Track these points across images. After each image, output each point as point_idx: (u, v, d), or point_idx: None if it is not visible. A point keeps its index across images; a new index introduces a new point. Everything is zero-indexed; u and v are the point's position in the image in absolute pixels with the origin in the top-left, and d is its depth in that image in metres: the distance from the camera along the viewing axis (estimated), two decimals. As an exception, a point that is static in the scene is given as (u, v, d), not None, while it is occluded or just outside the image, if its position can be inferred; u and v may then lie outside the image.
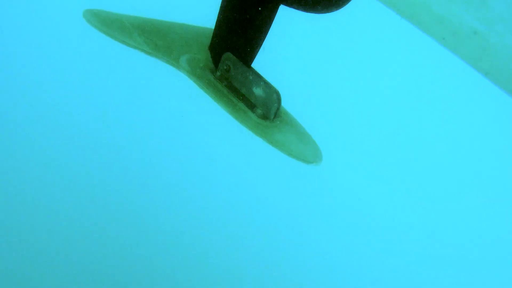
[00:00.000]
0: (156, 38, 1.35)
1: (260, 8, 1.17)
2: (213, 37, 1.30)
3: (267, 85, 1.23)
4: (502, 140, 1.95)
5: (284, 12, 1.21)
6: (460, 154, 2.01)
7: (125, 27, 1.34)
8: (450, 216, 1.71)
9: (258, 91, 1.25)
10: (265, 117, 1.26)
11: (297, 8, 1.17)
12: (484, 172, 1.98)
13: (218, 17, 1.27)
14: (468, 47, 1.53)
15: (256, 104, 1.26)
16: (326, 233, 1.46)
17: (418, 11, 1.53)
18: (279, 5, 1.18)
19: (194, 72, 1.29)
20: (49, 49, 1.54)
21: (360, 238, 1.51)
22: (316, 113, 1.79)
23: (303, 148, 1.28)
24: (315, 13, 1.18)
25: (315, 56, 2.01)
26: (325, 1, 1.12)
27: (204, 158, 1.35)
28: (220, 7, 1.26)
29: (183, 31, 1.44)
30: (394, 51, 1.81)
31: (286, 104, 1.40)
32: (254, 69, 1.27)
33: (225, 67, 1.28)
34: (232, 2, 1.22)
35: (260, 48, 1.25)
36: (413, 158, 2.00)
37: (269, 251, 1.33)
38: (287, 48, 1.67)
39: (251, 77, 1.24)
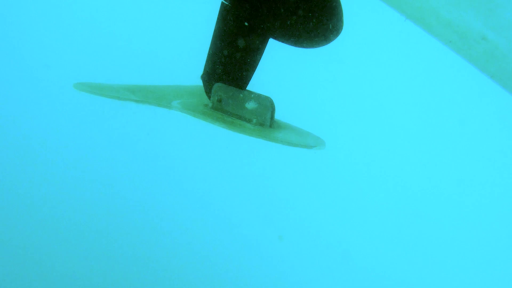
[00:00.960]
0: (147, 93, 1.39)
1: (249, 41, 1.21)
2: (205, 67, 1.35)
3: (258, 96, 1.27)
4: (507, 141, 1.97)
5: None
6: (463, 153, 2.03)
7: (115, 89, 1.37)
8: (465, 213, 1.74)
9: (250, 104, 1.29)
10: (262, 125, 1.29)
11: (285, 43, 1.21)
12: (490, 170, 2.01)
13: (210, 48, 1.31)
14: (476, 52, 1.54)
15: (251, 117, 1.30)
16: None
17: (427, 17, 1.54)
18: (269, 38, 1.22)
19: (187, 108, 1.33)
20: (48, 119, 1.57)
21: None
22: (323, 117, 1.80)
23: (303, 139, 1.31)
24: (303, 47, 1.23)
25: (322, 58, 2.02)
26: (308, 40, 1.17)
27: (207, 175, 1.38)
28: (212, 39, 1.30)
29: (173, 88, 1.49)
30: (405, 55, 1.82)
31: (289, 112, 1.42)
32: (245, 89, 1.31)
33: (217, 98, 1.31)
34: (222, 36, 1.26)
35: (252, 75, 1.29)
36: (420, 159, 2.02)
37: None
38: (290, 59, 1.68)
39: (241, 95, 1.29)
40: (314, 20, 1.13)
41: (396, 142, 1.82)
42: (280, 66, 1.32)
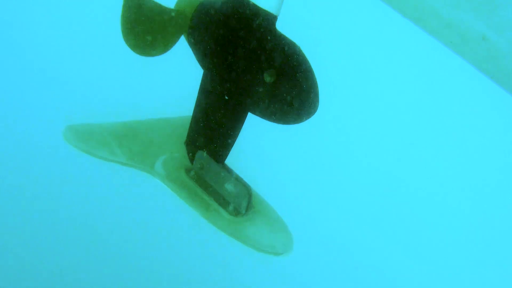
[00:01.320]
0: (133, 144, 1.38)
1: (229, 114, 1.23)
2: (188, 134, 1.36)
3: (237, 181, 1.28)
4: (508, 142, 1.96)
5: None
6: (463, 154, 2.03)
7: (103, 140, 1.36)
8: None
9: (229, 187, 1.30)
10: (237, 211, 1.30)
11: (262, 117, 1.22)
12: (490, 171, 2.01)
13: (193, 117, 1.32)
14: (476, 52, 1.55)
15: (229, 200, 1.31)
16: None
17: (428, 17, 1.54)
18: (248, 112, 1.23)
19: (169, 176, 1.33)
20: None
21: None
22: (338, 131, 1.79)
23: (274, 239, 1.31)
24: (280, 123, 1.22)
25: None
26: (285, 117, 1.16)
27: (181, 261, 1.36)
28: (194, 109, 1.31)
29: (161, 127, 1.49)
30: (405, 56, 1.82)
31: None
32: (226, 166, 1.34)
33: (199, 165, 1.32)
34: (204, 108, 1.28)
35: (232, 145, 1.30)
36: (419, 161, 2.02)
37: None
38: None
39: (222, 174, 1.30)
40: (291, 102, 1.12)
41: (395, 147, 1.82)
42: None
